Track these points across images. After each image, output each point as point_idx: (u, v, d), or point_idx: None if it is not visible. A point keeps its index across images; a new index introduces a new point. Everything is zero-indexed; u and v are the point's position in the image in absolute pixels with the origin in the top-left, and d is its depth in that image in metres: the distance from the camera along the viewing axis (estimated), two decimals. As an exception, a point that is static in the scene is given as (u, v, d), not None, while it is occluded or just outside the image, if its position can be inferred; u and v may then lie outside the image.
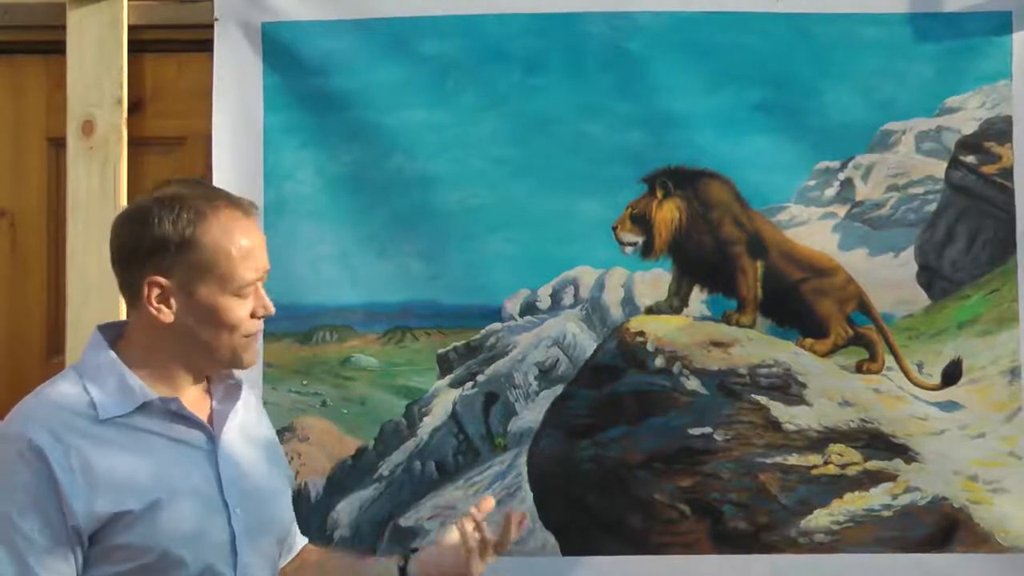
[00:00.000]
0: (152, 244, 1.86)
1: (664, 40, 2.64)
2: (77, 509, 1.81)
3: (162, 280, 1.86)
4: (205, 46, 2.68)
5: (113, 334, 1.96)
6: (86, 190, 2.65)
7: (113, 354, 1.92)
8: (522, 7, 2.65)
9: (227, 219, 1.88)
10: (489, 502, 2.08)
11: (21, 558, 1.79)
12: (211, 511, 1.91)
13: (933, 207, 2.65)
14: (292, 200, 2.66)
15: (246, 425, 2.04)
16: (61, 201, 2.70)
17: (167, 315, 1.88)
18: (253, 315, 1.91)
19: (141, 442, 1.89)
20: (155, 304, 1.87)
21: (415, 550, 2.15)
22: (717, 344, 2.65)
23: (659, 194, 2.65)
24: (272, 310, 1.92)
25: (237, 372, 2.04)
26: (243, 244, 1.88)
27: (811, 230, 2.65)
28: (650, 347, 2.64)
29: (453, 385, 2.67)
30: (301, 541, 2.17)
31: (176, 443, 1.92)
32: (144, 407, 1.90)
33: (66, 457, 1.82)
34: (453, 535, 2.06)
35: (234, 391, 2.02)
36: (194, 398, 1.97)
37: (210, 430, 1.96)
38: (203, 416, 1.97)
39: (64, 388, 1.90)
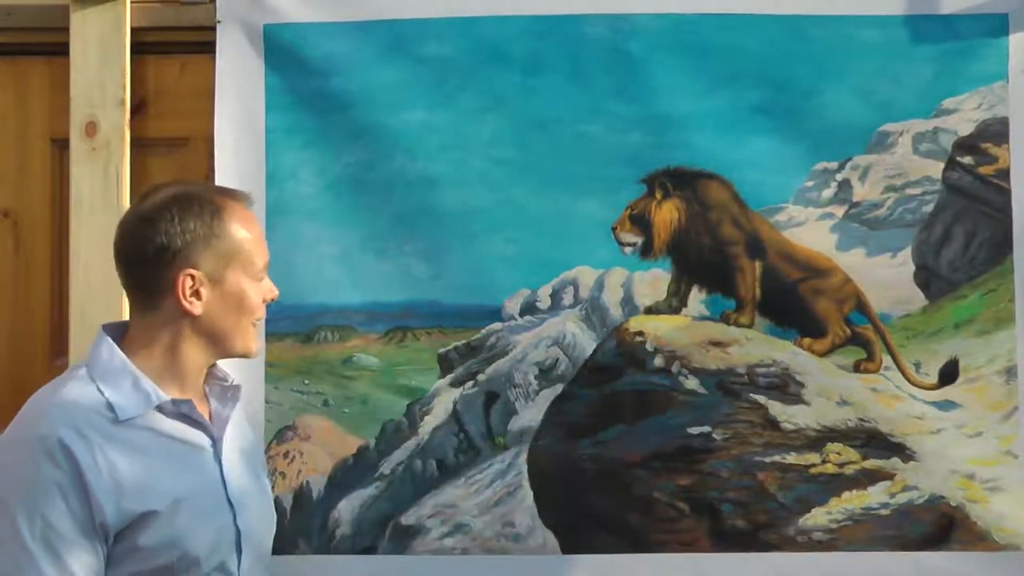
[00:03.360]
0: (183, 239, 1.94)
1: (663, 42, 2.65)
2: (105, 506, 1.83)
3: (195, 272, 1.94)
4: (207, 48, 2.69)
5: (117, 335, 1.99)
6: (89, 191, 2.66)
7: (124, 355, 1.94)
8: (522, 9, 2.66)
9: (240, 210, 2.00)
10: None
11: (58, 556, 1.81)
12: (221, 511, 1.95)
13: (930, 208, 2.66)
14: (294, 201, 2.67)
15: (237, 429, 2.07)
16: (64, 202, 2.70)
17: (197, 307, 1.94)
18: (263, 300, 2.03)
19: (156, 443, 1.92)
20: (188, 297, 1.94)
21: None
22: (716, 344, 2.65)
23: (658, 195, 2.66)
24: (277, 293, 2.06)
25: (232, 376, 2.08)
26: (255, 232, 2.01)
27: (809, 230, 2.66)
28: (649, 347, 2.65)
29: (454, 384, 2.68)
30: None
31: (186, 444, 1.95)
32: (156, 409, 1.93)
33: (91, 454, 1.84)
34: None
35: (231, 393, 2.06)
36: (197, 400, 2.00)
37: (213, 431, 1.99)
38: (205, 417, 2.00)
39: (79, 388, 1.92)
